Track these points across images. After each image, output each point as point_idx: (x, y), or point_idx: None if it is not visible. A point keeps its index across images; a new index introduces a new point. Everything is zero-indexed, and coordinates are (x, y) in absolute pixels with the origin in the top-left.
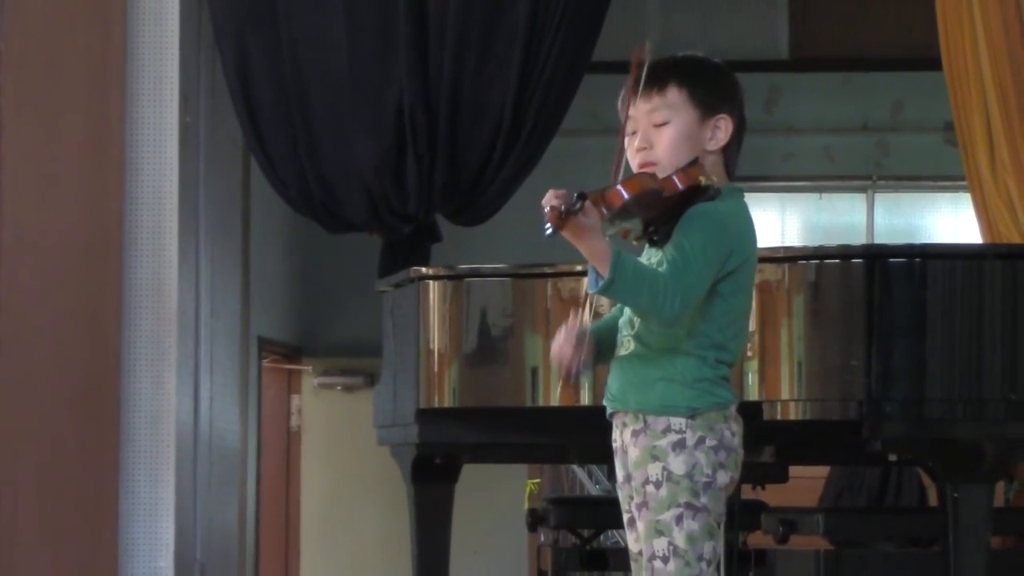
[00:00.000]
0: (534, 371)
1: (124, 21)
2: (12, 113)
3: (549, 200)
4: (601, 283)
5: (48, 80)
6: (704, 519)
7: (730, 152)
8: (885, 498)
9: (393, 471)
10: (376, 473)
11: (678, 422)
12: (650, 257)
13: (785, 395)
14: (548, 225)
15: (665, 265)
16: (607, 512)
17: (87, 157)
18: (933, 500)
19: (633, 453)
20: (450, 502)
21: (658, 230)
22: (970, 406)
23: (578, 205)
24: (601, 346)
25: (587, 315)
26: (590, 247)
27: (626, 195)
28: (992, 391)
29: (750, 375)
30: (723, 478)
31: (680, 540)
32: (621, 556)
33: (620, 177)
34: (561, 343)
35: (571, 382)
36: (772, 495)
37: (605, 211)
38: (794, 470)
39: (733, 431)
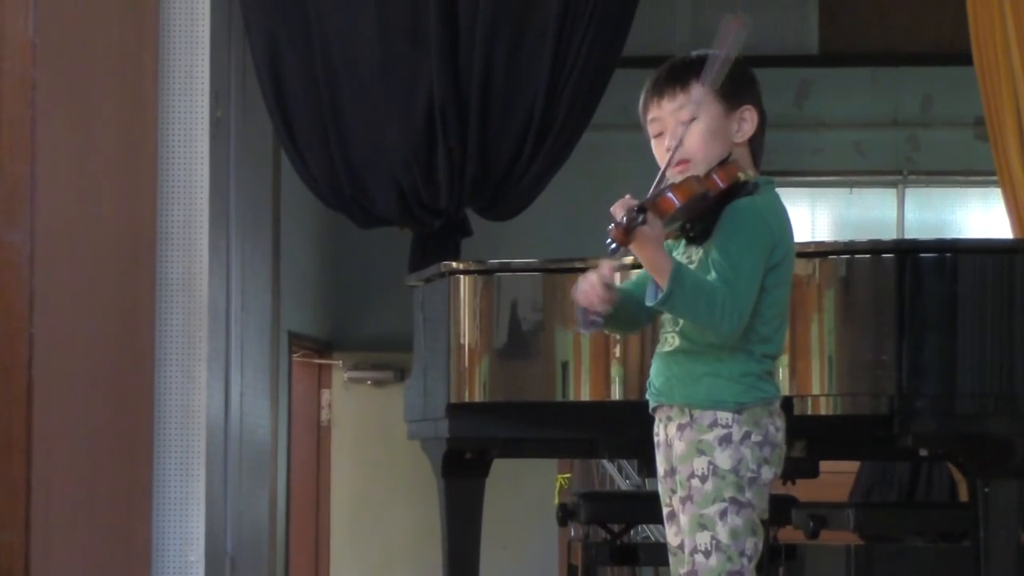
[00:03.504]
0: (564, 366)
1: (157, 15)
2: (46, 108)
3: (615, 214)
4: (660, 296)
5: (82, 75)
6: (748, 515)
7: (756, 144)
8: (915, 493)
9: (423, 465)
10: (406, 467)
11: (724, 417)
12: (690, 256)
13: (816, 390)
14: (611, 241)
15: (714, 274)
16: (637, 507)
17: (120, 152)
18: (963, 495)
19: (679, 447)
20: (481, 496)
21: (694, 227)
22: (1001, 401)
23: (640, 218)
24: (617, 310)
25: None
26: (652, 259)
27: (678, 202)
28: (1023, 386)
29: (781, 370)
30: (767, 474)
31: (723, 535)
32: (651, 551)
33: (667, 183)
34: (590, 287)
35: (583, 330)
36: (802, 490)
37: (660, 220)
38: (824, 465)
39: (777, 426)
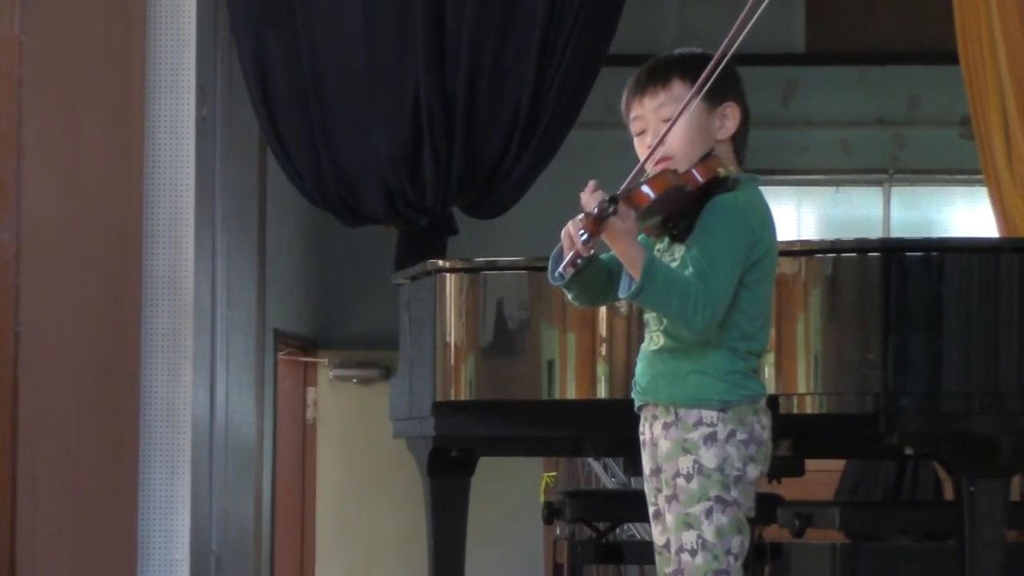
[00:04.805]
0: (550, 364)
1: (143, 13)
2: (32, 106)
3: (585, 204)
4: (632, 288)
5: (68, 73)
6: (734, 513)
7: (739, 141)
8: (901, 492)
9: (409, 463)
10: (391, 465)
11: (709, 415)
12: (674, 254)
13: (802, 389)
14: (583, 232)
15: (691, 269)
16: (623, 505)
17: (107, 150)
18: (949, 494)
19: (664, 446)
20: (466, 495)
21: (678, 224)
22: (986, 400)
23: (611, 209)
24: (590, 271)
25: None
26: (625, 251)
27: (652, 195)
28: (1008, 385)
29: (767, 368)
30: (753, 472)
31: (709, 534)
32: (637, 549)
33: (644, 176)
34: (577, 232)
35: (554, 276)
36: (788, 488)
37: (633, 212)
38: (810, 463)
39: (763, 424)
